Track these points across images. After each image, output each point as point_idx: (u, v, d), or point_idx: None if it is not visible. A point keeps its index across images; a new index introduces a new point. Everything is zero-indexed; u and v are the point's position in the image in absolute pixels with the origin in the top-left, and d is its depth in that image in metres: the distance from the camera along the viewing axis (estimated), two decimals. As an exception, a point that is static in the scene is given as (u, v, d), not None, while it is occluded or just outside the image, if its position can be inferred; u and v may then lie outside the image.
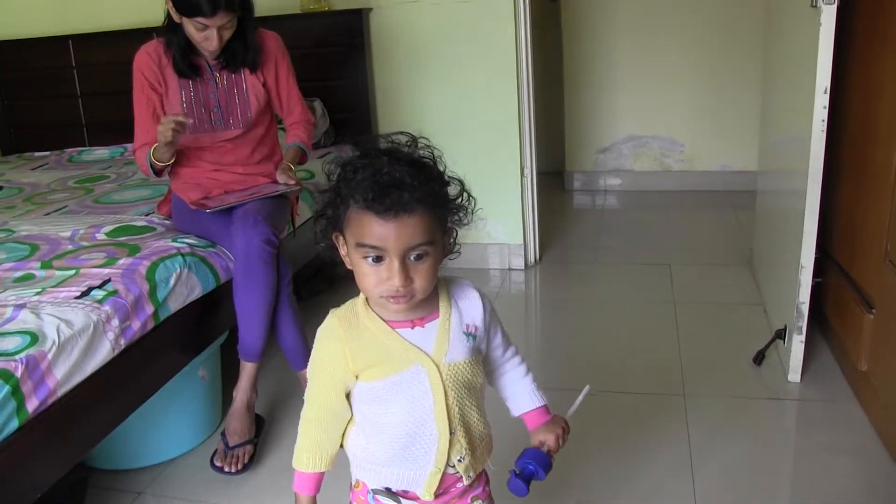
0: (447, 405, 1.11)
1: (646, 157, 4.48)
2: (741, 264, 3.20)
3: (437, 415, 1.10)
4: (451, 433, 1.12)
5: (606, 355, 2.51)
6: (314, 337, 1.15)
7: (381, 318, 1.10)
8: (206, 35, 2.03)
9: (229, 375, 2.18)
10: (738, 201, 4.05)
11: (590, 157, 4.56)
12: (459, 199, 1.10)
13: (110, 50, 3.42)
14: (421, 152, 1.08)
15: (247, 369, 2.07)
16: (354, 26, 3.11)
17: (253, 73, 2.21)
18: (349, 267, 1.08)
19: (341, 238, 1.08)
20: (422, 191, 1.01)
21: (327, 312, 1.15)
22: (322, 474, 1.19)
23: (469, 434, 1.15)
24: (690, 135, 4.37)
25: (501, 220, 3.31)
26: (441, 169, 1.08)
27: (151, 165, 2.13)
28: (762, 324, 2.62)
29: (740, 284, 3.00)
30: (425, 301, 1.09)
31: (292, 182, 2.19)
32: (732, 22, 4.11)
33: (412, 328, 1.11)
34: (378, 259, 1.02)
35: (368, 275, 1.04)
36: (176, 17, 2.03)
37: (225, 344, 2.21)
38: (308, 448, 1.17)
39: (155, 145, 2.10)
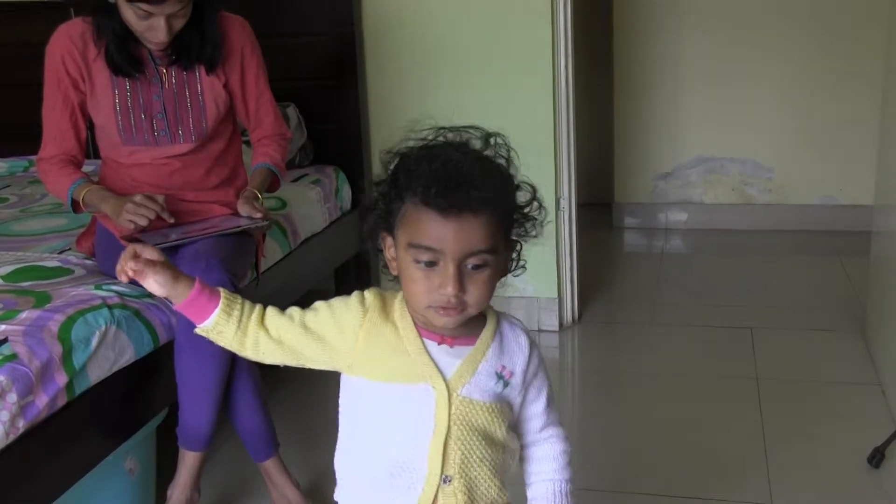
0: (446, 443, 1.19)
1: (721, 185, 4.46)
2: (850, 329, 3.17)
3: (431, 449, 1.19)
4: (443, 480, 1.20)
5: (666, 448, 2.48)
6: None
7: (413, 320, 1.22)
8: (151, 24, 2.03)
9: (165, 468, 2.15)
10: (845, 245, 4.02)
11: (646, 185, 4.56)
12: (529, 209, 1.22)
13: (10, 28, 3.41)
14: (495, 150, 1.22)
15: (187, 460, 2.05)
16: (342, 11, 3.13)
17: (211, 72, 2.21)
18: (394, 273, 1.22)
19: (389, 238, 1.21)
20: (492, 191, 1.14)
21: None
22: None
23: (471, 492, 1.22)
24: (781, 157, 4.36)
25: (530, 267, 3.27)
26: (513, 172, 1.21)
27: (73, 201, 2.16)
28: (880, 411, 2.58)
29: (849, 357, 2.97)
30: (469, 322, 1.21)
31: (258, 215, 2.18)
32: (841, 16, 4.13)
33: (439, 343, 1.22)
34: (431, 264, 1.14)
35: (417, 281, 1.16)
36: None
37: (162, 426, 2.18)
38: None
39: (90, 188, 2.15)
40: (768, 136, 4.36)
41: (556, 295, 3.32)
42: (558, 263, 3.31)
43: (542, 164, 3.18)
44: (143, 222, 2.05)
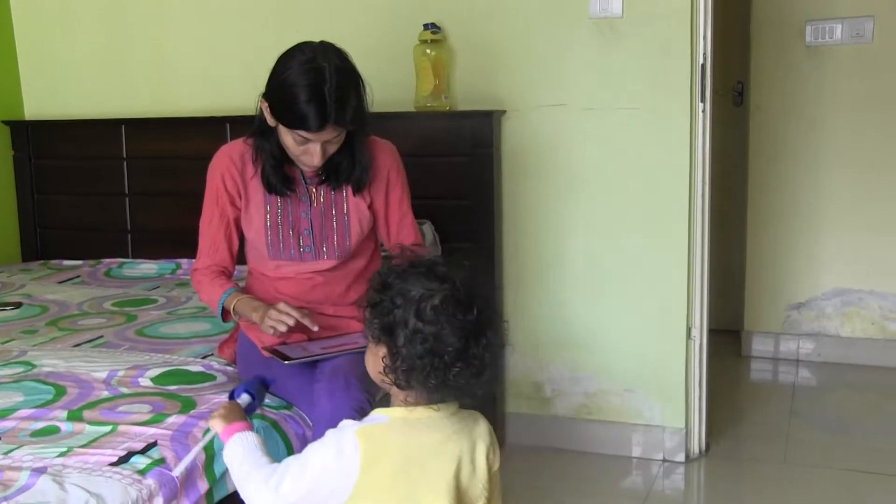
0: None
1: (859, 318, 4.39)
2: None
3: None
4: None
5: None
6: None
7: None
8: (307, 149, 2.17)
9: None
10: None
11: (778, 315, 4.51)
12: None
13: (171, 140, 3.69)
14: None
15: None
16: (482, 133, 3.26)
17: (358, 193, 2.34)
18: None
19: None
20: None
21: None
22: None
23: None
24: (926, 292, 4.27)
25: (658, 394, 3.29)
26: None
27: (223, 309, 2.30)
28: None
29: None
30: None
31: (394, 334, 2.25)
32: None
33: None
34: None
35: None
36: (271, 120, 2.19)
37: (287, 539, 2.23)
38: None
39: (240, 297, 2.28)
40: (912, 270, 4.29)
41: (683, 425, 3.30)
42: (687, 392, 3.29)
43: (675, 293, 3.22)
44: (282, 328, 2.15)
